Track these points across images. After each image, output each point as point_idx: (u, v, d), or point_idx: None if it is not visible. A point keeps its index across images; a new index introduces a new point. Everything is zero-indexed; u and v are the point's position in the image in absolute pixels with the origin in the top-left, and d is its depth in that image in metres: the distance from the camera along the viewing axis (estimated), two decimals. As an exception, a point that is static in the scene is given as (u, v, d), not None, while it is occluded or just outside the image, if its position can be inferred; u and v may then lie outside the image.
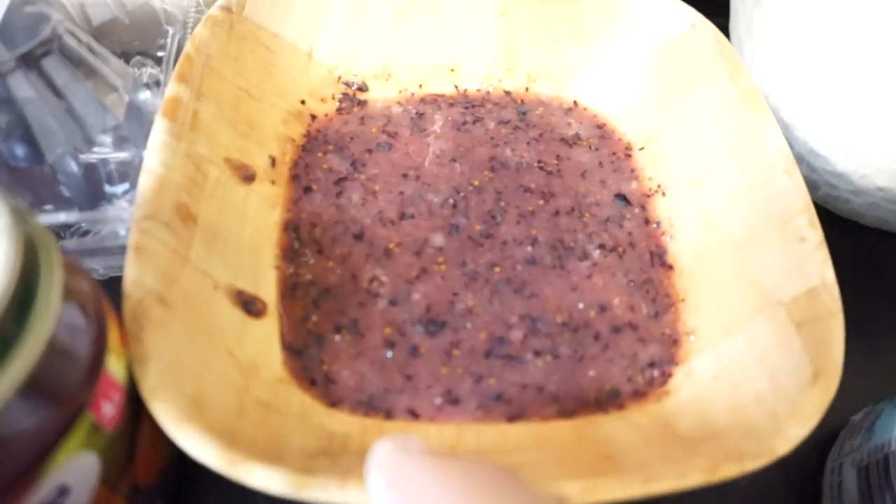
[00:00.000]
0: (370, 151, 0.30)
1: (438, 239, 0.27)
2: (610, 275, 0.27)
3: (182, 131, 0.24)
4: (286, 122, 0.29)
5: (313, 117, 0.30)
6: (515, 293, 0.26)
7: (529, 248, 0.27)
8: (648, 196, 0.29)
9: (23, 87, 0.27)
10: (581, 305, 0.26)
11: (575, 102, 0.32)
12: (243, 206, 0.25)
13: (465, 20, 0.31)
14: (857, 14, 0.26)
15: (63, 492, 0.16)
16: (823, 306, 0.20)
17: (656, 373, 0.24)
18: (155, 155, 0.23)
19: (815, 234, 0.22)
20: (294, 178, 0.28)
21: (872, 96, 0.26)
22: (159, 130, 0.23)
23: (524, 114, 0.32)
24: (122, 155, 0.27)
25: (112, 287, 0.20)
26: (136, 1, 0.32)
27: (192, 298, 0.21)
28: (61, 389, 0.16)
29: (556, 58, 0.32)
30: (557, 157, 0.30)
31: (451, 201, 0.28)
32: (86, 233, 0.26)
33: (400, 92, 0.32)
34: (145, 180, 0.22)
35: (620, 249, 0.27)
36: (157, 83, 0.28)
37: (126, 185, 0.27)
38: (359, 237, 0.27)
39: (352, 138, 0.30)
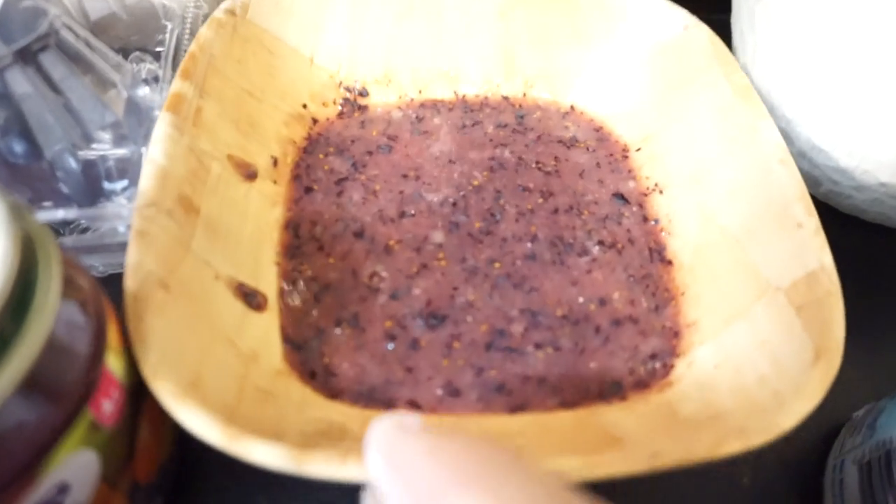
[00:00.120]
0: (371, 153, 0.30)
1: (438, 236, 0.27)
2: (609, 270, 0.27)
3: (185, 126, 0.24)
4: (288, 125, 0.29)
5: (315, 121, 0.31)
6: (515, 288, 0.26)
7: (529, 245, 0.27)
8: (646, 195, 0.29)
9: (20, 82, 0.27)
10: (581, 299, 0.26)
11: (572, 107, 0.33)
12: (244, 203, 0.26)
13: (465, 22, 0.32)
14: (860, 9, 0.27)
15: (63, 489, 0.16)
16: (822, 288, 0.21)
17: (658, 364, 0.24)
18: (158, 146, 0.23)
19: (811, 220, 0.23)
20: (295, 178, 0.29)
21: (874, 92, 0.27)
22: (163, 123, 0.23)
23: (522, 117, 0.32)
24: (121, 151, 0.26)
25: (111, 284, 0.20)
26: (134, -4, 0.31)
27: (193, 286, 0.21)
28: (60, 387, 0.16)
29: (554, 61, 0.32)
30: (555, 158, 0.30)
31: (450, 200, 0.28)
32: (85, 230, 0.26)
33: (400, 97, 0.32)
34: (148, 170, 0.22)
35: (619, 246, 0.27)
36: (156, 79, 0.28)
37: (125, 182, 0.26)
38: (359, 235, 0.27)
39: (353, 141, 0.30)
